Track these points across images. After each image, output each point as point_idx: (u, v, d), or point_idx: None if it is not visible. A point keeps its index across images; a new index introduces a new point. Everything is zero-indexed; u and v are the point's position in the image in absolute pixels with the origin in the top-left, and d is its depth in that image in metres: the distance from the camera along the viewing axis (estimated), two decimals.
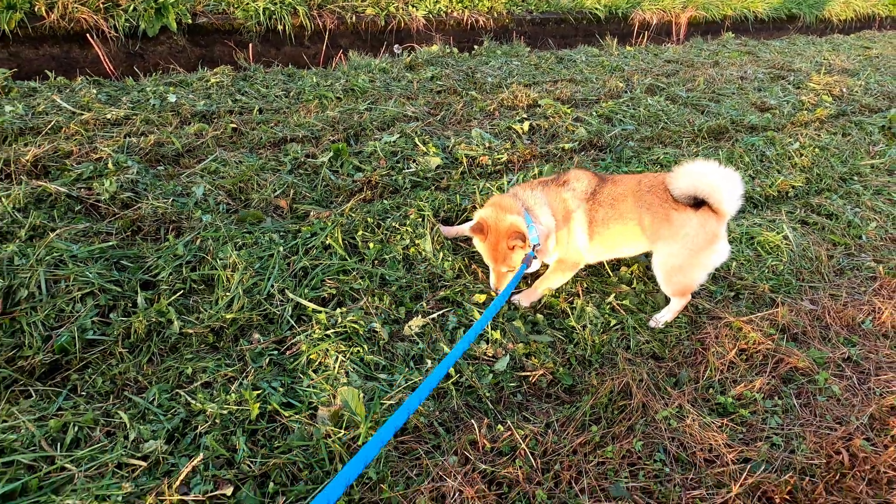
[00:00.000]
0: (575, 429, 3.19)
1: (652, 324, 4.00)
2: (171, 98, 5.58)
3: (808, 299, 4.53)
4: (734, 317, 4.09)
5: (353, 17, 8.85)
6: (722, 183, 3.49)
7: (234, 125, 5.18)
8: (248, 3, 8.01)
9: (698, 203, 3.59)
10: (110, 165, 4.22)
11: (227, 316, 3.28)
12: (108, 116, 4.96)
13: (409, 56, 8.02)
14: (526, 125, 5.94)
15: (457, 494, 2.77)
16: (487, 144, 5.43)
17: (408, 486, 2.80)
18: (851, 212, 5.81)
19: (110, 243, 3.57)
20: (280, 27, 8.23)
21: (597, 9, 11.65)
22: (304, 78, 6.77)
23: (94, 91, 5.59)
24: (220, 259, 3.58)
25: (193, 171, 4.44)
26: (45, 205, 3.82)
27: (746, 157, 6.22)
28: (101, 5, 6.92)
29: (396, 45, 8.83)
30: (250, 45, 7.77)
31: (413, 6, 9.35)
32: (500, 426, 3.15)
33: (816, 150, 6.77)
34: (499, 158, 5.27)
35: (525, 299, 3.96)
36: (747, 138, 6.67)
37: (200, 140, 4.85)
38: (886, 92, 9.20)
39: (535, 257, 3.73)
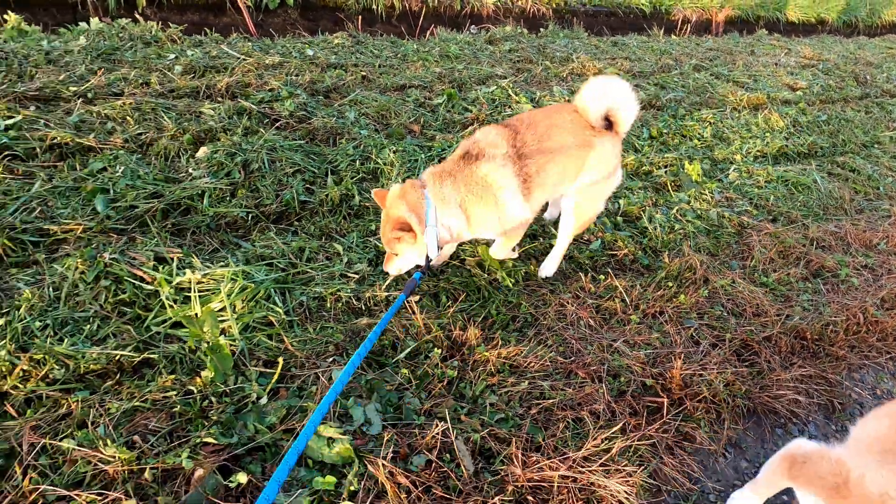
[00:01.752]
0: (654, 287, 4.09)
1: (543, 272, 4.01)
2: (309, 52, 6.56)
3: (833, 224, 5.37)
4: (775, 228, 4.97)
5: (435, 1, 9.80)
6: (629, 96, 3.40)
7: (364, 73, 6.15)
8: None
9: (609, 124, 3.49)
10: (284, 93, 5.19)
11: None
12: (267, 62, 5.95)
13: (486, 34, 8.93)
14: None
15: (574, 315, 3.70)
16: (567, 98, 6.34)
17: (537, 308, 3.72)
18: (871, 169, 6.61)
19: (300, 142, 4.54)
20: (374, 6, 9.20)
21: (643, 4, 12.48)
22: (406, 45, 7.72)
23: (250, 44, 6.59)
24: (381, 159, 4.53)
25: (342, 103, 5.40)
26: (244, 117, 4.80)
27: (781, 121, 7.03)
28: None
29: (473, 27, 9.75)
30: (359, 17, 8.75)
31: None
32: (601, 276, 4.07)
33: (842, 121, 7.58)
34: None
35: (496, 254, 3.82)
36: (780, 108, 7.49)
37: (342, 81, 5.82)
38: None
39: (420, 278, 3.45)
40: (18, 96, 4.47)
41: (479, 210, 3.34)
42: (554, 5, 11.17)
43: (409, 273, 3.60)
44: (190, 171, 3.99)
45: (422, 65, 6.88)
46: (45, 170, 3.80)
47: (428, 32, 9.02)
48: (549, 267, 4.01)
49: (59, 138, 4.00)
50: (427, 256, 3.35)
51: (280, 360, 2.83)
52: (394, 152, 4.59)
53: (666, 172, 5.49)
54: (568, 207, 3.78)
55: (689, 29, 12.71)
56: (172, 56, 5.83)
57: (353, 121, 5.03)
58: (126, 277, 3.09)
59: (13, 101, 4.39)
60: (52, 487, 2.21)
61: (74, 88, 4.71)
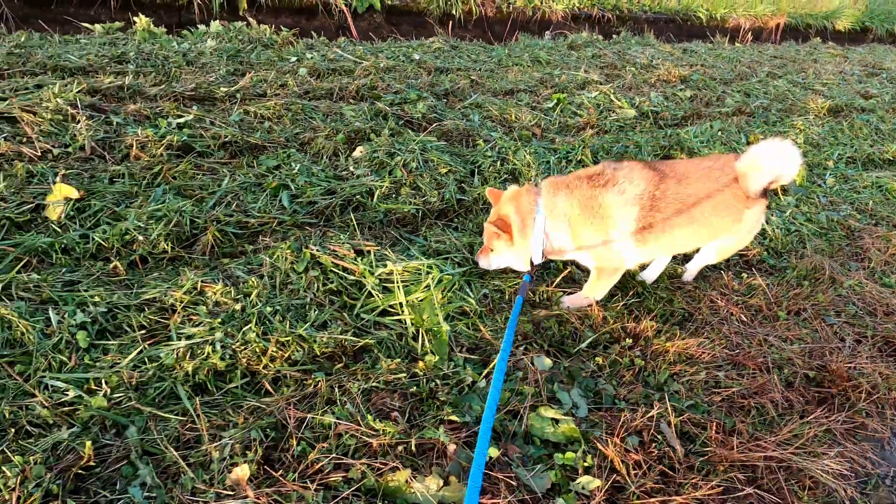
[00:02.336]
0: (788, 286, 4.22)
1: (686, 276, 4.04)
2: (416, 56, 6.74)
3: None
4: (885, 231, 5.08)
5: (507, 7, 9.94)
6: (797, 163, 3.12)
7: (473, 78, 6.32)
8: None
9: (766, 190, 3.23)
10: (412, 95, 5.37)
11: None
12: (382, 65, 6.13)
13: (567, 39, 9.08)
14: (688, 92, 6.96)
15: (725, 311, 3.84)
16: (664, 104, 6.48)
17: (689, 303, 3.86)
18: None
19: (441, 143, 4.72)
20: (454, 12, 9.37)
21: (700, 12, 12.55)
22: (496, 50, 7.88)
23: (360, 48, 6.78)
24: (517, 160, 4.70)
25: (464, 106, 5.58)
26: (380, 117, 4.98)
27: (864, 129, 7.12)
28: None
29: (548, 32, 9.89)
30: (450, 22, 8.93)
31: (554, 1, 10.41)
32: (743, 274, 4.21)
33: None
34: (676, 114, 6.31)
35: (570, 302, 3.56)
36: (860, 116, 7.57)
37: (457, 85, 5.99)
38: None
39: (530, 280, 3.40)
40: (178, 96, 4.68)
41: (586, 231, 3.19)
42: (618, 12, 11.29)
43: (506, 272, 3.63)
44: (351, 169, 4.17)
45: (518, 70, 7.04)
46: (224, 166, 4.00)
47: (513, 38, 9.17)
48: (690, 272, 4.04)
49: (229, 136, 4.20)
50: (531, 262, 3.31)
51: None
52: (528, 154, 4.75)
53: None
54: (710, 247, 3.66)
55: (749, 37, 12.77)
56: (294, 59, 6.03)
57: (479, 123, 5.19)
58: (331, 268, 3.28)
59: (176, 102, 4.59)
60: (328, 456, 2.39)
61: (225, 89, 4.91)
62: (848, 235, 5.09)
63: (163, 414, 2.46)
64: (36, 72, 4.72)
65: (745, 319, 3.80)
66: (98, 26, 6.05)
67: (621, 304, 3.62)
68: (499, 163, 4.61)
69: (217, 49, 5.87)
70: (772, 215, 4.97)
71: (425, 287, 3.22)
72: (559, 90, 6.42)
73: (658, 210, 3.12)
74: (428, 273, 3.31)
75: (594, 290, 3.51)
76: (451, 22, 9.13)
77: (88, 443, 2.19)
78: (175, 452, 2.32)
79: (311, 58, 6.08)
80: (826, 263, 4.42)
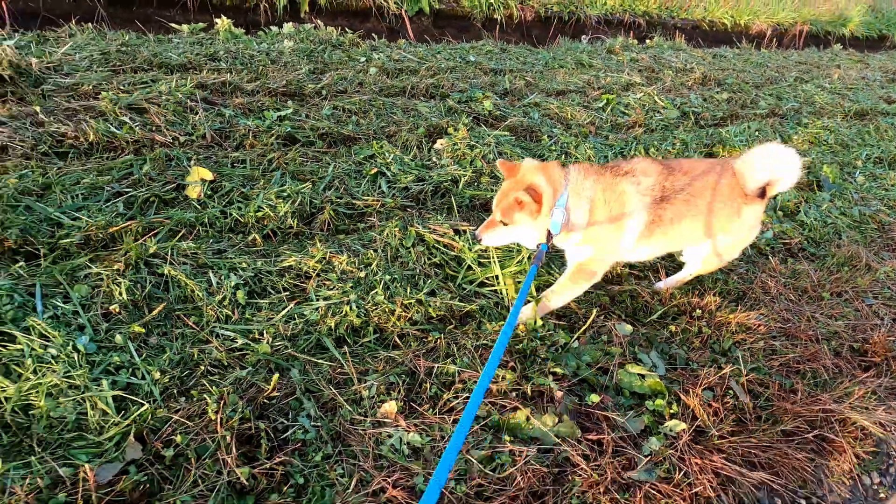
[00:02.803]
0: (828, 272, 4.58)
1: (661, 285, 3.89)
2: (471, 58, 7.13)
3: None
4: None
5: (544, 11, 10.31)
6: (796, 166, 3.17)
7: (527, 79, 6.70)
8: None
9: (764, 191, 3.29)
10: (477, 94, 5.76)
11: None
12: (442, 65, 6.53)
13: (605, 43, 9.45)
14: (724, 95, 7.33)
15: (775, 290, 4.21)
16: (704, 105, 6.84)
17: (741, 283, 4.23)
18: None
19: (510, 137, 5.11)
20: (496, 16, 9.74)
21: (725, 19, 12.88)
22: (541, 52, 8.27)
23: (420, 49, 7.19)
24: (579, 154, 5.08)
25: (522, 104, 5.96)
26: (452, 113, 5.37)
27: (889, 131, 7.45)
28: None
29: (584, 36, 10.26)
30: (496, 27, 9.32)
31: (587, 6, 10.78)
32: (790, 259, 4.58)
33: None
34: (715, 115, 6.68)
35: (541, 309, 3.39)
36: (885, 119, 7.90)
37: (514, 85, 6.37)
38: None
39: (547, 251, 3.20)
40: (273, 92, 5.09)
41: (602, 213, 3.16)
42: (647, 18, 11.64)
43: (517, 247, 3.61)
44: (434, 159, 4.57)
45: (565, 71, 7.41)
46: (324, 155, 4.40)
47: (553, 42, 9.55)
48: (666, 282, 3.91)
49: (325, 128, 4.60)
50: (549, 232, 3.15)
51: (594, 311, 3.40)
52: (589, 148, 5.13)
53: (805, 174, 5.96)
54: (696, 254, 3.64)
55: (774, 43, 13.08)
56: (363, 59, 6.43)
57: (539, 120, 5.58)
58: (433, 244, 3.67)
59: (272, 97, 5.00)
60: (458, 397, 2.79)
61: (312, 86, 5.31)
62: (879, 228, 5.43)
63: (315, 360, 2.86)
64: (144, 68, 5.14)
65: (793, 298, 4.17)
66: (185, 27, 6.46)
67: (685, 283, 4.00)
68: (563, 156, 4.98)
69: (295, 49, 6.27)
70: (809, 209, 5.32)
71: (518, 262, 3.61)
72: (606, 91, 6.79)
73: (667, 203, 3.18)
74: (518, 250, 3.70)
75: (562, 292, 3.39)
76: (497, 26, 9.49)
77: (276, 376, 2.60)
78: (333, 390, 2.72)
79: (378, 58, 6.48)
80: (862, 252, 4.77)
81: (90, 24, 6.17)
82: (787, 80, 8.85)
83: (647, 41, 10.35)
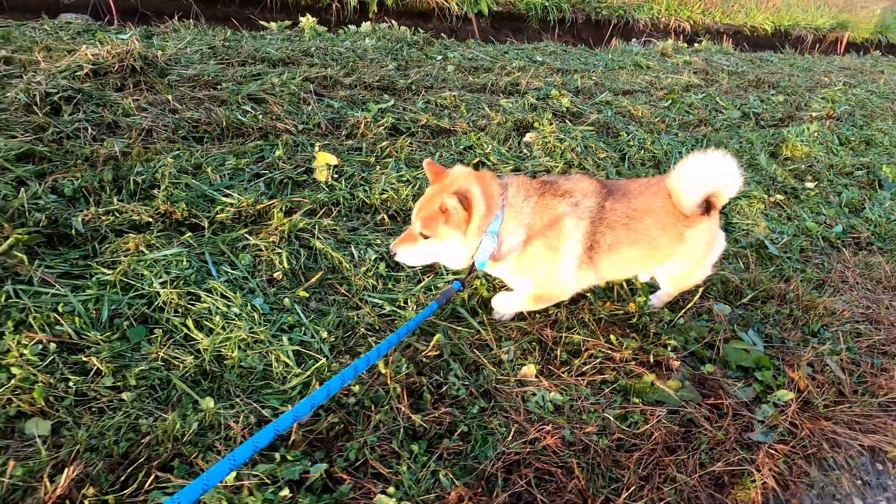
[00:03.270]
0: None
1: (654, 301, 3.55)
2: (538, 58, 7.37)
3: None
4: None
5: (594, 15, 10.51)
6: (735, 174, 2.77)
7: (594, 80, 6.92)
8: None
9: (708, 207, 2.85)
10: (553, 92, 5.99)
11: None
12: (513, 64, 6.76)
13: (657, 46, 9.63)
14: (780, 97, 7.50)
15: (851, 280, 4.40)
16: (762, 106, 7.01)
17: (818, 273, 4.42)
18: None
19: (591, 131, 5.33)
20: (549, 18, 9.97)
21: (766, 25, 13.00)
22: (599, 54, 8.47)
23: (491, 49, 7.43)
24: (655, 149, 5.29)
25: (595, 102, 6.18)
26: (533, 109, 5.60)
27: None
28: None
29: (634, 39, 10.45)
30: (555, 30, 9.55)
31: (635, 10, 10.97)
32: (860, 251, 4.76)
33: None
34: (774, 116, 6.86)
35: (501, 307, 3.17)
36: None
37: (585, 84, 6.60)
38: None
39: (460, 290, 2.86)
40: (368, 86, 5.35)
41: (539, 245, 2.74)
42: (691, 22, 11.80)
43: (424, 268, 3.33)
44: (525, 151, 4.80)
45: (626, 72, 7.62)
46: (427, 144, 4.65)
47: (604, 43, 9.75)
48: (658, 298, 3.57)
49: (425, 120, 4.85)
50: (473, 265, 2.73)
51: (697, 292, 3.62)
52: (665, 144, 5.34)
53: (865, 174, 6.12)
54: (662, 274, 3.29)
55: (818, 48, 13.18)
56: (440, 57, 6.68)
57: (613, 117, 5.79)
58: None
59: (370, 91, 5.27)
60: (586, 364, 3.02)
61: (403, 81, 5.57)
62: None
63: (455, 327, 3.11)
64: (248, 62, 5.42)
65: (869, 288, 4.36)
66: (273, 24, 6.75)
67: (769, 271, 4.21)
68: (641, 151, 5.20)
69: (376, 47, 6.54)
70: (873, 206, 5.49)
71: None
72: (669, 91, 6.99)
73: (607, 228, 2.78)
74: None
75: (519, 304, 3.10)
76: (551, 28, 9.71)
77: (438, 335, 2.86)
78: (476, 353, 2.97)
79: (453, 56, 6.73)
80: None
81: (187, 20, 6.47)
82: (835, 83, 8.98)
83: (696, 45, 10.49)
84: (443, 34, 8.01)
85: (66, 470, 2.02)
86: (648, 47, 9.59)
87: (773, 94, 7.62)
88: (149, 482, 2.09)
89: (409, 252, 2.71)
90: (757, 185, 5.19)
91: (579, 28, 10.35)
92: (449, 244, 2.65)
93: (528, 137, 4.93)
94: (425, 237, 2.64)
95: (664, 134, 5.75)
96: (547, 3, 9.88)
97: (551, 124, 5.11)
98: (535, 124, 5.13)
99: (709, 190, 2.75)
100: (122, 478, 2.11)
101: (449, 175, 2.70)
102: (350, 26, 7.36)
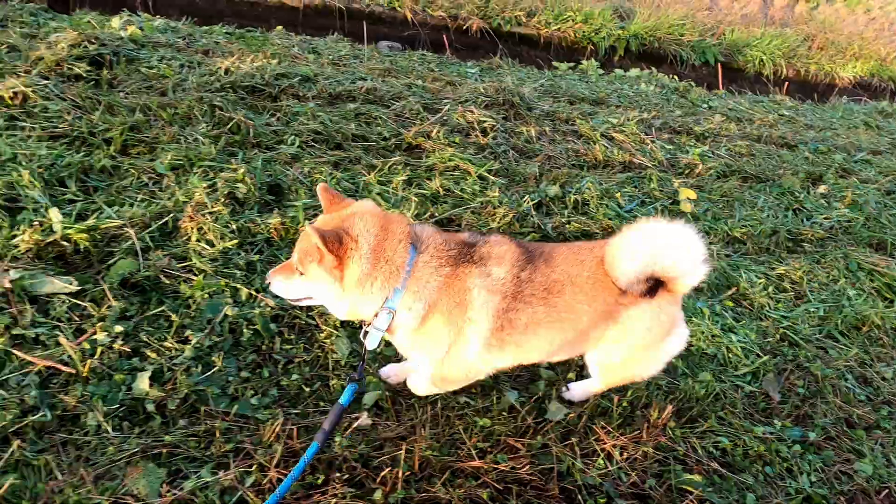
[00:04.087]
0: None
1: (566, 394, 2.93)
2: (784, 112, 8.03)
3: None
4: None
5: (804, 71, 11.04)
6: (691, 249, 2.22)
7: (839, 136, 7.48)
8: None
9: (654, 287, 2.27)
10: (820, 148, 6.63)
11: None
12: (769, 117, 7.46)
13: (871, 105, 10.01)
14: None
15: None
16: None
17: None
18: None
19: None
20: (764, 71, 10.60)
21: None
22: (827, 111, 8.97)
23: (743, 100, 8.16)
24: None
25: (856, 159, 6.76)
26: (811, 163, 6.26)
27: None
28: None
29: (844, 96, 10.84)
30: (786, 84, 10.10)
31: (840, 68, 11.35)
32: None
33: None
34: None
35: (415, 389, 2.67)
36: None
37: (833, 142, 7.18)
38: None
39: (356, 390, 2.38)
40: (670, 129, 6.21)
41: (438, 321, 2.27)
42: (893, 84, 12.04)
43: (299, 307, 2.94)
44: (822, 201, 5.49)
45: (862, 131, 8.11)
46: (748, 189, 5.44)
47: (819, 98, 10.23)
48: (573, 391, 2.95)
49: (736, 166, 5.65)
50: (365, 349, 2.33)
51: None
52: None
53: None
54: (591, 360, 2.64)
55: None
56: (704, 105, 7.45)
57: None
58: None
59: (673, 133, 6.12)
60: None
61: (698, 128, 6.39)
62: None
63: None
64: (572, 101, 6.42)
65: None
66: (563, 65, 7.78)
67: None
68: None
69: (653, 92, 7.41)
70: None
71: None
72: None
73: (522, 303, 2.27)
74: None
75: (427, 386, 2.62)
76: (786, 84, 10.14)
77: None
78: None
79: (716, 105, 7.49)
80: None
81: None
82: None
83: None
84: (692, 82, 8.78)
85: None
86: (867, 105, 9.95)
87: None
88: None
89: (283, 285, 2.28)
90: None
91: (786, 82, 10.83)
92: (323, 289, 2.20)
93: (821, 189, 5.62)
94: (301, 273, 2.20)
95: None
96: (764, 57, 10.45)
97: (842, 177, 5.77)
98: (823, 177, 5.81)
99: (652, 265, 2.20)
100: None
101: (349, 207, 2.25)
102: (619, 70, 8.27)
